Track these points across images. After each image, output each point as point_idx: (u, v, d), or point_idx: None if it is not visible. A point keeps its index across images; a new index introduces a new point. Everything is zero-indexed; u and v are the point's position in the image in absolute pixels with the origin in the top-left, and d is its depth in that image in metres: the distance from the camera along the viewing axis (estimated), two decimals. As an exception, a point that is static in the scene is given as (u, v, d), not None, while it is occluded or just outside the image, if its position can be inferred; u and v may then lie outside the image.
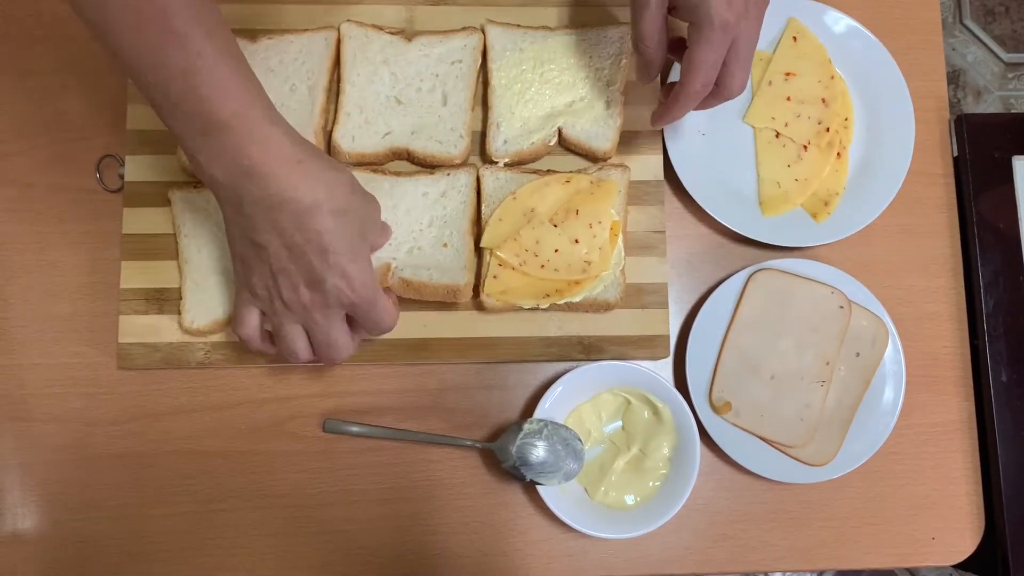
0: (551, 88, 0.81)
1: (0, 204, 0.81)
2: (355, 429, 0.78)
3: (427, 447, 0.80)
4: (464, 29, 0.82)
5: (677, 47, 0.73)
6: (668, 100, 0.72)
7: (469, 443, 0.78)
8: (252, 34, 0.80)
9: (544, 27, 0.83)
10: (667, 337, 0.80)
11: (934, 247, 0.86)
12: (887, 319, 0.80)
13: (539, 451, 0.76)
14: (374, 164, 0.80)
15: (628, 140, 0.82)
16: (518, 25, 0.82)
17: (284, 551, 0.78)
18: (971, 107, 1.83)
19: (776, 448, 0.79)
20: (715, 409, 0.79)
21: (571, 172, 0.80)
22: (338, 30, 0.81)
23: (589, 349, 0.80)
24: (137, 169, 0.80)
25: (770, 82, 0.84)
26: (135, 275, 0.78)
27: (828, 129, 0.83)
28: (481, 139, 0.81)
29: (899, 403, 0.80)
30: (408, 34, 0.82)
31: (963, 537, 0.82)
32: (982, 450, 0.83)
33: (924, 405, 0.83)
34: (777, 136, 0.84)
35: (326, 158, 0.63)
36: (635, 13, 0.70)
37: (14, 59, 0.84)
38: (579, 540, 0.79)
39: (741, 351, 0.80)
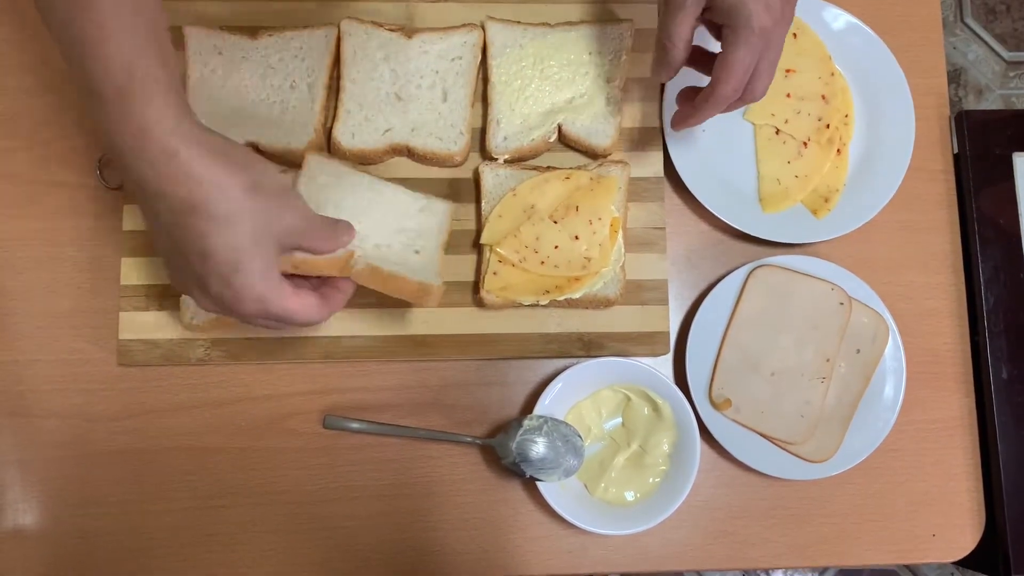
0: (551, 85, 0.81)
1: (1, 200, 0.81)
2: (355, 425, 0.78)
3: (427, 443, 0.80)
4: (464, 26, 0.82)
5: (695, 56, 0.72)
6: (696, 103, 0.70)
7: (469, 439, 0.78)
8: (253, 31, 0.81)
9: (544, 24, 0.83)
10: (667, 334, 0.80)
11: (934, 243, 0.86)
12: (887, 315, 0.80)
13: (539, 447, 0.76)
14: (374, 161, 0.80)
15: (628, 136, 0.83)
16: (518, 22, 0.82)
17: (284, 547, 0.78)
18: (972, 105, 1.83)
19: (776, 444, 0.79)
20: (715, 405, 0.79)
21: (571, 168, 0.80)
22: (338, 27, 0.81)
23: (589, 345, 0.80)
24: (137, 166, 0.80)
25: (770, 79, 0.84)
26: (135, 272, 0.78)
27: (828, 126, 0.83)
28: (481, 136, 0.81)
29: (899, 399, 0.80)
30: (408, 31, 0.82)
31: (963, 534, 0.82)
32: (983, 447, 0.82)
33: (924, 401, 0.83)
34: (777, 133, 0.84)
35: (219, 152, 0.54)
36: (668, 11, 0.67)
37: (15, 55, 0.84)
38: (579, 536, 0.79)
39: (741, 347, 0.80)
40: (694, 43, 0.70)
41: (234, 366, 0.80)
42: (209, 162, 0.53)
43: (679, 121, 0.74)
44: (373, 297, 0.78)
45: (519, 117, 0.80)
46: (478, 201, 0.80)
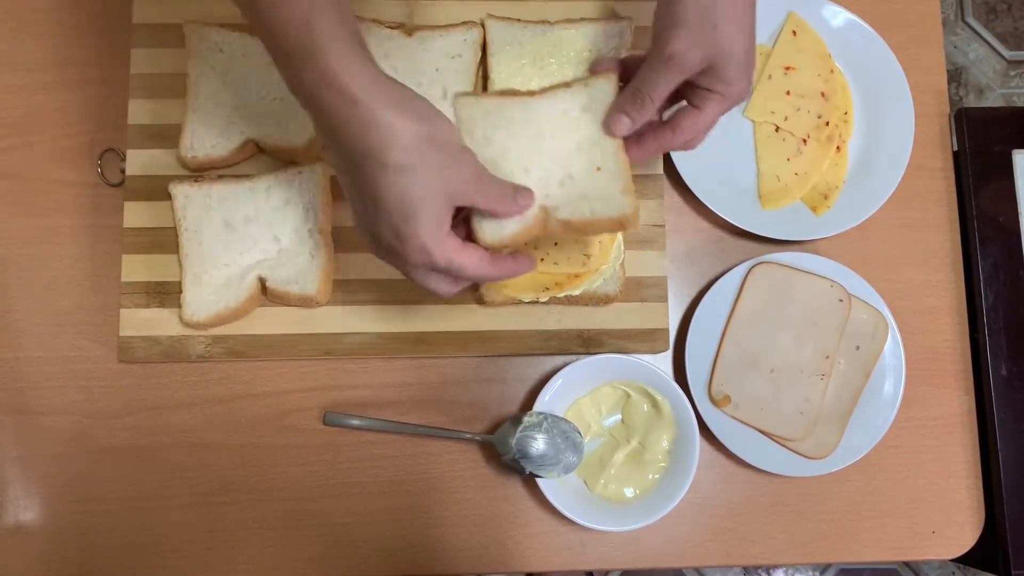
0: (551, 82, 0.81)
1: (2, 198, 0.82)
2: (355, 422, 0.78)
3: (427, 440, 0.80)
4: (464, 23, 0.82)
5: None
6: (645, 141, 0.68)
7: (469, 436, 0.78)
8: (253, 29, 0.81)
9: (544, 21, 0.83)
10: (667, 331, 0.80)
11: (934, 241, 0.86)
12: (887, 312, 0.81)
13: (538, 444, 0.76)
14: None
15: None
16: (518, 19, 0.82)
17: (284, 543, 0.78)
18: (973, 104, 1.83)
19: (776, 441, 0.79)
20: (715, 402, 0.79)
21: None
22: (338, 24, 0.81)
23: (589, 342, 0.80)
24: (138, 163, 0.80)
25: (770, 76, 0.85)
26: (136, 269, 0.79)
27: (828, 123, 0.83)
28: (481, 133, 0.81)
29: (899, 396, 0.80)
30: (408, 28, 0.82)
31: (963, 531, 0.82)
32: (982, 444, 0.82)
33: (924, 399, 0.83)
34: (777, 130, 0.84)
35: (398, 102, 0.56)
36: (661, 68, 0.64)
37: (16, 53, 0.84)
38: (578, 533, 0.79)
39: (741, 344, 0.80)
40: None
41: (235, 362, 0.80)
42: (386, 110, 0.55)
43: (639, 154, 0.69)
44: (374, 294, 0.79)
45: (519, 114, 0.80)
46: None
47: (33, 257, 0.81)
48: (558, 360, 0.81)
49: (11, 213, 0.81)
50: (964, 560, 0.83)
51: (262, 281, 0.77)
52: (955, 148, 0.88)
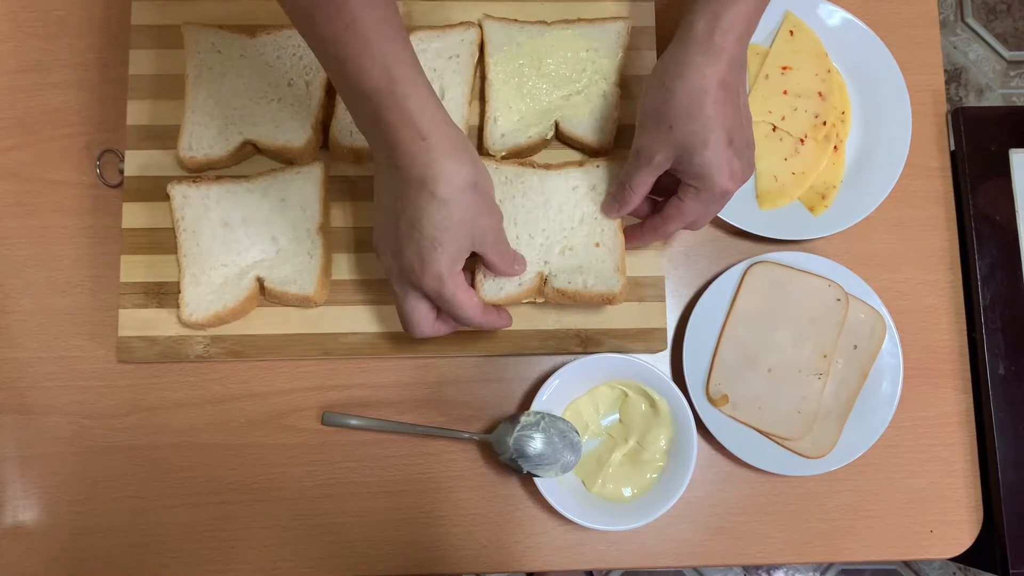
0: (548, 82, 0.81)
1: (1, 199, 0.82)
2: (354, 422, 0.78)
3: (425, 440, 0.80)
4: (461, 24, 0.82)
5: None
6: (643, 229, 0.75)
7: (467, 436, 0.78)
8: (251, 30, 0.81)
9: (541, 22, 0.83)
10: (664, 330, 0.80)
11: (931, 240, 0.86)
12: (884, 312, 0.81)
13: (536, 443, 0.76)
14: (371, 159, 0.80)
15: (625, 134, 0.83)
16: (515, 20, 0.83)
17: (283, 543, 0.78)
18: (973, 105, 1.82)
19: (773, 440, 0.79)
20: (712, 402, 0.79)
21: (567, 163, 0.80)
22: (336, 25, 0.81)
23: (587, 342, 0.80)
24: (137, 164, 0.80)
25: (767, 76, 0.85)
26: (135, 269, 0.79)
27: (825, 123, 0.84)
28: (479, 133, 0.82)
29: (897, 396, 0.80)
30: (406, 29, 0.82)
31: (961, 530, 0.82)
32: (980, 443, 0.83)
33: (922, 398, 0.83)
34: (774, 130, 0.84)
35: (459, 148, 0.63)
36: (636, 163, 0.71)
37: (14, 54, 0.84)
38: (576, 532, 0.79)
39: (738, 344, 0.80)
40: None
41: (233, 363, 0.80)
42: (449, 151, 0.62)
43: (633, 239, 0.77)
44: (372, 294, 0.79)
45: (516, 114, 0.81)
46: None
47: (32, 257, 0.81)
48: (556, 360, 0.81)
49: (10, 214, 0.82)
50: (962, 559, 0.83)
51: (260, 281, 0.77)
52: (952, 147, 0.88)
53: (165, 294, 0.78)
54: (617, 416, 0.80)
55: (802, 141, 0.84)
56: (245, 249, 0.78)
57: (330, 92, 0.81)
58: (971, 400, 0.83)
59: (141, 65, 0.82)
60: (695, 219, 0.72)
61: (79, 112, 0.83)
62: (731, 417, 0.79)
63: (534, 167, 0.78)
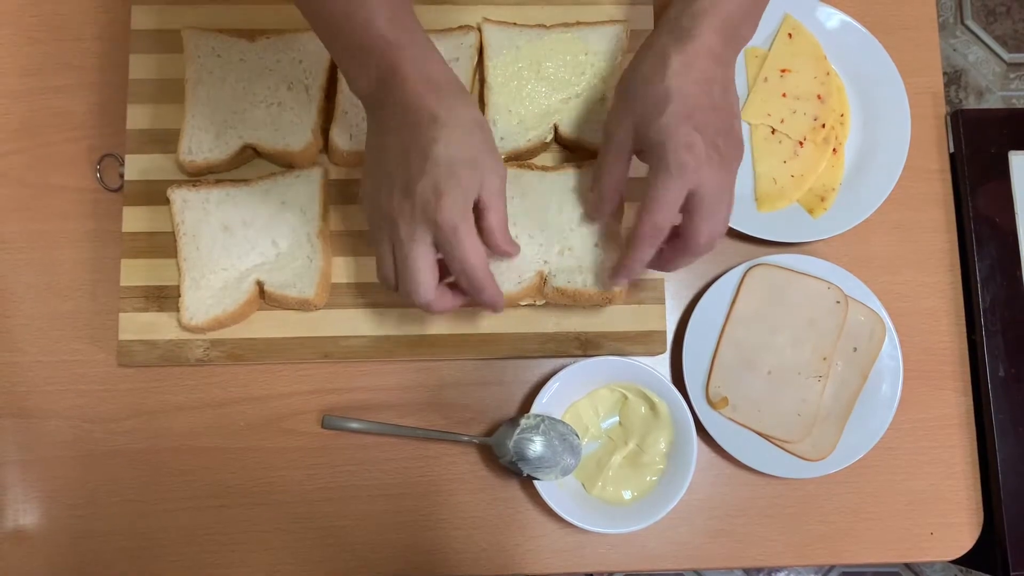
0: (547, 86, 0.82)
1: (1, 203, 0.82)
2: (354, 425, 0.78)
3: (425, 443, 0.80)
4: (460, 27, 0.82)
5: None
6: (625, 247, 0.70)
7: (467, 439, 0.78)
8: (251, 34, 0.81)
9: (540, 25, 0.83)
10: (664, 333, 0.80)
11: (931, 242, 0.86)
12: (884, 314, 0.81)
13: (536, 446, 0.76)
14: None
15: (624, 137, 0.83)
16: (514, 23, 0.83)
17: (283, 547, 0.78)
18: (973, 107, 1.82)
19: (773, 443, 0.79)
20: (712, 404, 0.79)
21: (566, 164, 0.80)
22: (336, 29, 0.81)
23: (586, 345, 0.80)
24: (137, 168, 0.80)
25: (766, 78, 0.85)
26: (135, 273, 0.79)
27: (824, 125, 0.84)
28: (478, 136, 0.82)
29: (896, 398, 0.80)
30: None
31: (962, 532, 0.82)
32: (980, 445, 0.82)
33: (921, 400, 0.83)
34: (773, 132, 0.84)
35: (464, 92, 0.65)
36: (602, 151, 0.71)
37: (15, 59, 0.85)
38: (576, 535, 0.79)
39: (738, 346, 0.80)
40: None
41: (233, 366, 0.80)
42: (456, 92, 0.64)
43: (616, 272, 0.73)
44: (372, 297, 0.79)
45: (516, 118, 0.81)
46: None
47: (33, 262, 0.81)
48: (556, 362, 0.81)
49: (11, 218, 0.82)
50: (963, 561, 0.83)
51: (260, 285, 0.77)
52: (952, 150, 0.88)
53: (165, 298, 0.78)
54: (617, 419, 0.80)
55: (801, 144, 0.84)
56: (245, 253, 0.78)
57: (329, 96, 0.81)
58: (971, 402, 0.83)
59: (141, 69, 0.82)
60: (663, 210, 0.64)
61: (79, 116, 0.84)
62: (731, 419, 0.79)
63: (532, 168, 0.79)
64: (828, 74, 0.85)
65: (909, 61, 0.87)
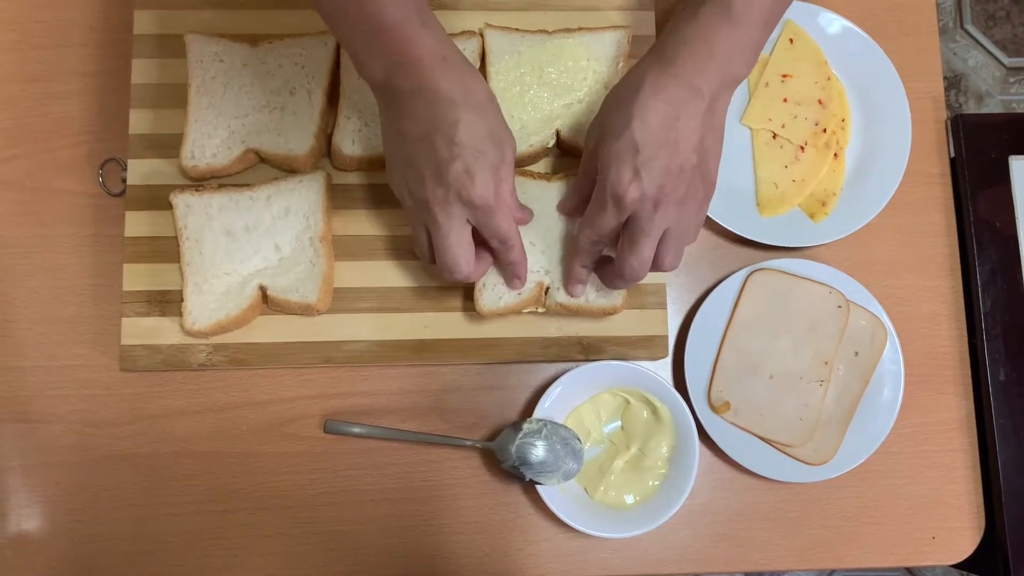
0: (549, 91, 0.82)
1: (3, 208, 0.82)
2: (356, 430, 0.78)
3: (428, 447, 0.80)
4: (463, 33, 0.83)
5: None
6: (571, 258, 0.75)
7: (469, 443, 0.78)
8: (253, 39, 0.81)
9: (542, 31, 0.83)
10: (666, 337, 0.81)
11: (932, 247, 0.86)
12: (885, 318, 0.81)
13: (538, 451, 0.76)
14: (373, 168, 0.81)
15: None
16: (516, 29, 0.83)
17: (285, 551, 0.78)
18: (973, 111, 1.83)
19: (775, 447, 0.79)
20: (714, 409, 0.79)
21: (568, 173, 0.80)
22: (338, 34, 0.81)
23: (588, 349, 0.80)
24: (139, 173, 0.80)
25: (767, 84, 0.85)
26: (137, 278, 0.79)
27: (825, 130, 0.84)
28: (480, 141, 0.82)
29: (898, 402, 0.80)
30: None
31: (963, 536, 0.82)
32: (981, 449, 0.83)
33: (923, 404, 0.83)
34: (774, 137, 0.84)
35: (473, 68, 0.67)
36: (582, 156, 0.72)
37: (18, 64, 0.85)
38: (578, 539, 0.79)
39: (740, 351, 0.80)
40: None
41: (235, 371, 0.80)
42: (467, 69, 0.66)
43: (566, 278, 0.77)
44: (374, 301, 0.79)
45: (518, 123, 0.81)
46: None
47: (35, 267, 0.81)
48: (558, 367, 0.81)
49: (13, 223, 0.82)
50: (964, 566, 0.83)
51: (263, 289, 0.77)
52: (952, 154, 0.88)
53: (168, 303, 0.79)
54: (619, 423, 0.80)
55: (802, 148, 0.84)
56: (248, 257, 0.78)
57: (332, 101, 0.81)
58: (972, 406, 0.83)
59: (143, 74, 0.82)
60: (597, 230, 0.68)
61: (82, 121, 0.84)
62: (733, 424, 0.79)
63: (534, 177, 0.79)
64: (829, 79, 0.85)
65: (909, 66, 0.87)
